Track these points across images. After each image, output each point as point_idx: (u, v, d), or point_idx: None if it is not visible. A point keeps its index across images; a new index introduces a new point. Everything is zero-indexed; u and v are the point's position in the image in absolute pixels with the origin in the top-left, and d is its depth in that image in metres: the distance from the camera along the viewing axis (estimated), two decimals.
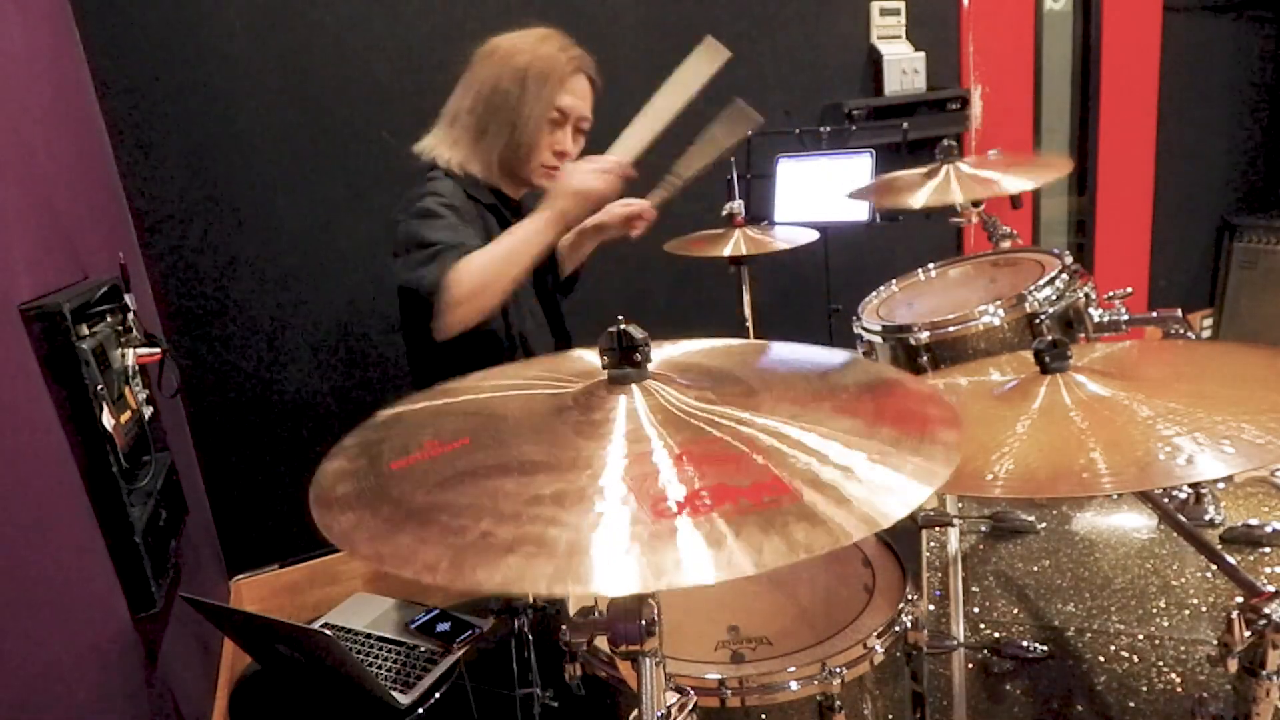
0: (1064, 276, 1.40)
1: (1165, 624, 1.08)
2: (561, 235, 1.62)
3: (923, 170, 1.72)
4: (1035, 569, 1.19)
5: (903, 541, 1.16)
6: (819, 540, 0.54)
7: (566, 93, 1.60)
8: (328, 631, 1.53)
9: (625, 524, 0.57)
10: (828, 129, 2.71)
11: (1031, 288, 1.37)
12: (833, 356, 0.88)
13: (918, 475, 0.61)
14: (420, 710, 1.42)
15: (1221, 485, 1.21)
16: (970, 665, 1.15)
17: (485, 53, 1.60)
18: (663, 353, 0.86)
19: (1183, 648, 1.06)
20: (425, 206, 1.50)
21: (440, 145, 1.61)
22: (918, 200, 1.61)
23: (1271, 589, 0.80)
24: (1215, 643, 0.83)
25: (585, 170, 1.53)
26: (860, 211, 2.31)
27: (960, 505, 1.29)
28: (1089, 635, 1.10)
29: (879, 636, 0.98)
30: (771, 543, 0.54)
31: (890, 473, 0.61)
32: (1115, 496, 1.26)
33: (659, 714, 0.70)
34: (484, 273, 1.40)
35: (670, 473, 0.62)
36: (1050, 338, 0.89)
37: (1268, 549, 1.10)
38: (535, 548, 0.55)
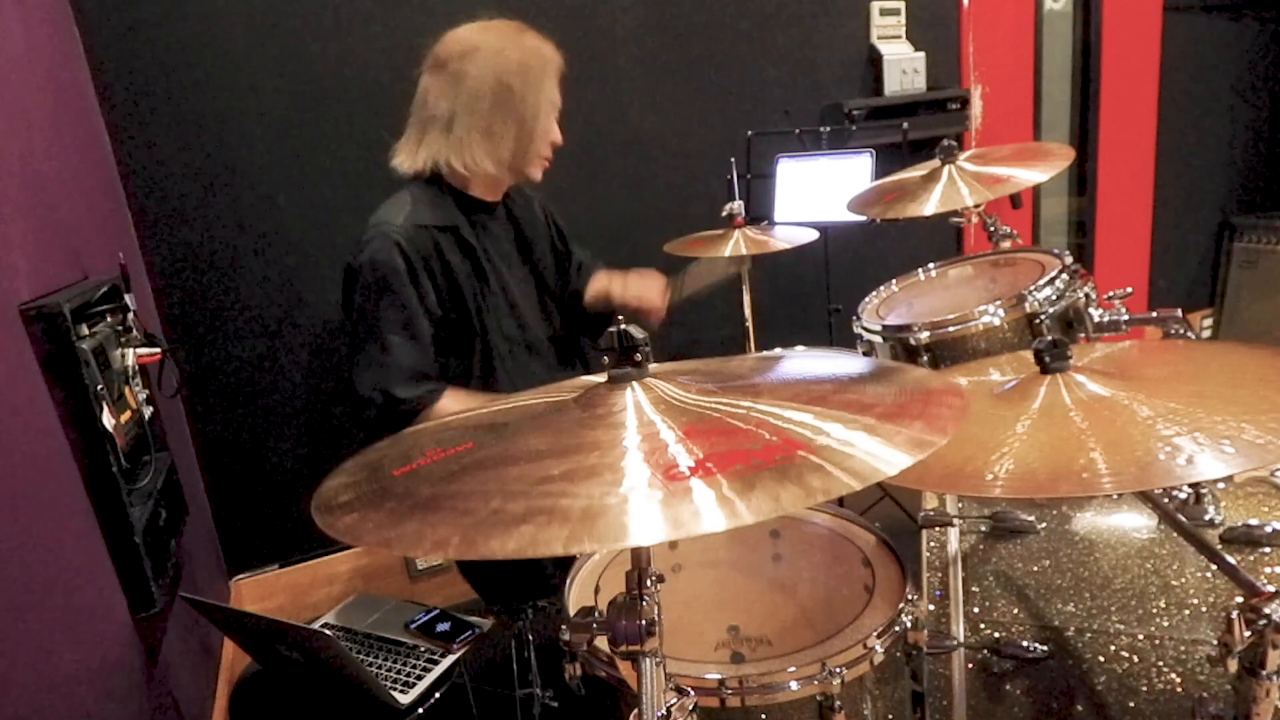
0: (1064, 276, 1.40)
1: (1165, 624, 1.08)
2: None
3: (922, 172, 1.72)
4: (1035, 569, 1.19)
5: (903, 541, 1.15)
6: (835, 485, 0.56)
7: (556, 85, 1.61)
8: (328, 631, 1.53)
9: (640, 488, 0.58)
10: (828, 129, 2.71)
11: (1031, 288, 1.37)
12: (839, 365, 0.88)
13: (925, 430, 0.62)
14: (420, 710, 1.42)
15: (1221, 485, 1.21)
16: (970, 665, 1.15)
17: (462, 51, 1.56)
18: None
19: (1183, 648, 1.06)
20: (387, 294, 1.50)
21: (442, 150, 1.58)
22: (925, 208, 1.60)
23: (1271, 589, 0.80)
24: (1215, 643, 0.83)
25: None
26: None
27: (960, 505, 1.29)
28: (1089, 635, 1.10)
29: (879, 636, 0.98)
30: (789, 490, 0.55)
31: (892, 434, 0.62)
32: (1115, 496, 1.26)
33: (659, 714, 0.70)
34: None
35: (679, 445, 0.63)
36: (1050, 338, 0.89)
37: (1268, 549, 1.10)
38: (548, 517, 0.56)
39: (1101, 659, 1.09)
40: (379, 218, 1.56)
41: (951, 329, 1.39)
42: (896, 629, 1.00)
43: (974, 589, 1.19)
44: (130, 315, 1.31)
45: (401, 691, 1.44)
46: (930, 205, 1.60)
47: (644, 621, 0.69)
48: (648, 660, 0.70)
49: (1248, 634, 0.79)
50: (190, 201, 2.09)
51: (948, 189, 1.62)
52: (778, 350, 2.15)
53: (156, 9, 1.98)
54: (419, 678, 1.48)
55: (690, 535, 0.54)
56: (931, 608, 1.19)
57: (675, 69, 2.63)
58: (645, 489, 0.57)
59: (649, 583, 0.72)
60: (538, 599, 1.58)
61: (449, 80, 1.56)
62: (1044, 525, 1.24)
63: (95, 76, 1.93)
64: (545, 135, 1.61)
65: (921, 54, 2.93)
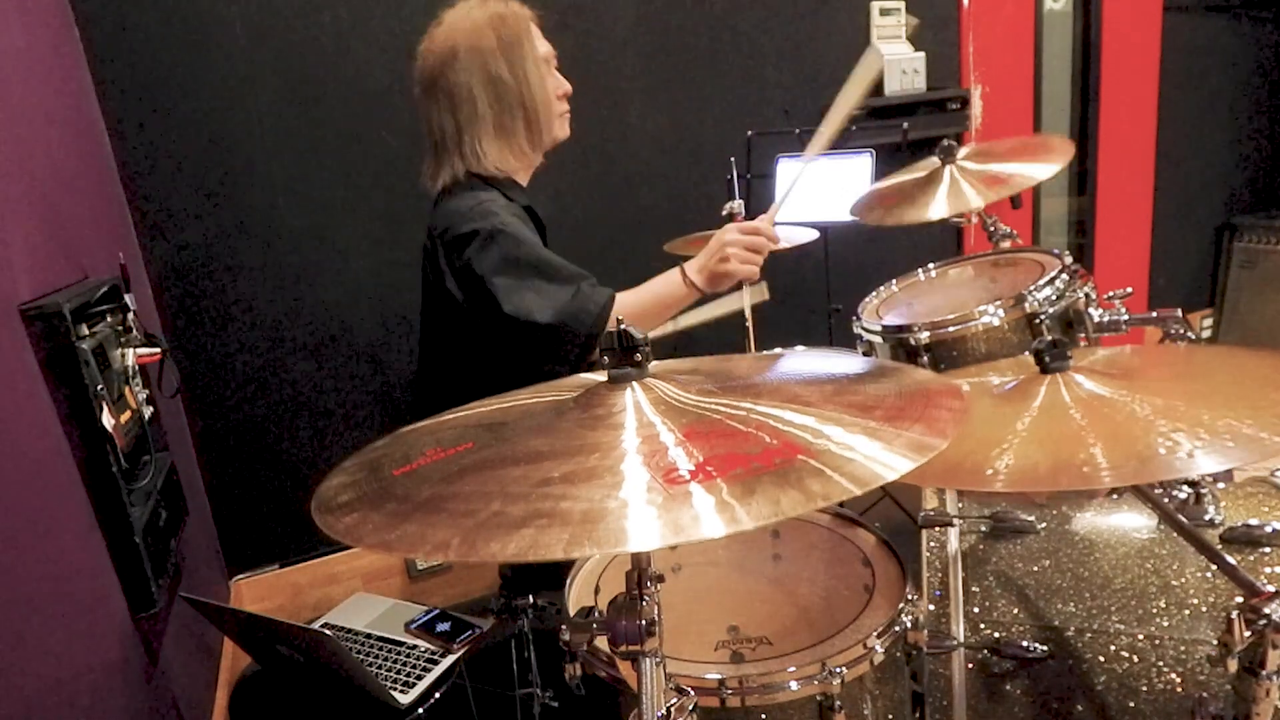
0: (1064, 276, 1.40)
1: (1165, 624, 1.08)
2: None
3: (921, 174, 1.71)
4: (1035, 569, 1.19)
5: (903, 541, 1.15)
6: (835, 490, 0.56)
7: (538, 40, 1.58)
8: (328, 631, 1.53)
9: (640, 492, 0.58)
10: None
11: (1031, 288, 1.37)
12: (839, 365, 0.88)
13: (924, 432, 0.62)
14: (420, 710, 1.42)
15: (1221, 485, 1.21)
16: (970, 665, 1.14)
17: (441, 61, 1.53)
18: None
19: (1183, 648, 1.06)
20: (513, 227, 1.45)
21: (471, 163, 1.54)
22: (927, 213, 1.60)
23: (1271, 589, 0.80)
24: (1215, 643, 0.83)
25: (744, 248, 1.51)
26: None
27: (960, 505, 1.29)
28: (1089, 635, 1.10)
29: (879, 636, 0.98)
30: (789, 495, 0.55)
31: (891, 438, 0.62)
32: (1115, 497, 1.26)
33: (659, 714, 0.70)
34: (633, 317, 1.37)
35: (679, 448, 0.63)
36: (1050, 338, 0.89)
37: (1268, 549, 1.10)
38: (548, 520, 0.56)
39: (1101, 659, 1.08)
40: (470, 203, 1.49)
41: (951, 329, 1.39)
42: (896, 629, 1.00)
43: (974, 589, 1.19)
44: (130, 315, 1.31)
45: (401, 691, 1.44)
46: (932, 210, 1.59)
47: (644, 621, 0.69)
48: (648, 660, 0.70)
49: (1248, 634, 0.79)
50: (190, 201, 2.09)
51: (947, 192, 1.61)
52: (778, 350, 2.14)
53: (156, 9, 1.98)
54: (419, 678, 1.48)
55: (690, 540, 0.54)
56: (931, 608, 1.19)
57: (675, 69, 2.63)
58: (645, 493, 0.57)
59: (649, 583, 0.72)
60: (549, 586, 1.57)
61: (443, 98, 1.54)
62: (1044, 525, 1.23)
63: (95, 76, 1.93)
64: (551, 95, 1.57)
65: (921, 54, 2.93)
